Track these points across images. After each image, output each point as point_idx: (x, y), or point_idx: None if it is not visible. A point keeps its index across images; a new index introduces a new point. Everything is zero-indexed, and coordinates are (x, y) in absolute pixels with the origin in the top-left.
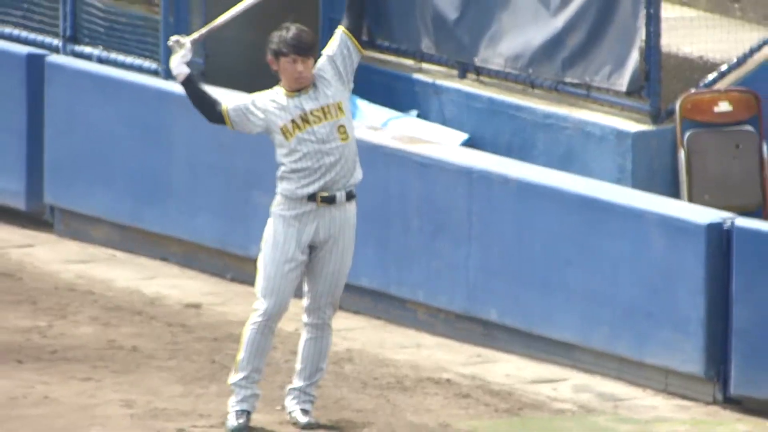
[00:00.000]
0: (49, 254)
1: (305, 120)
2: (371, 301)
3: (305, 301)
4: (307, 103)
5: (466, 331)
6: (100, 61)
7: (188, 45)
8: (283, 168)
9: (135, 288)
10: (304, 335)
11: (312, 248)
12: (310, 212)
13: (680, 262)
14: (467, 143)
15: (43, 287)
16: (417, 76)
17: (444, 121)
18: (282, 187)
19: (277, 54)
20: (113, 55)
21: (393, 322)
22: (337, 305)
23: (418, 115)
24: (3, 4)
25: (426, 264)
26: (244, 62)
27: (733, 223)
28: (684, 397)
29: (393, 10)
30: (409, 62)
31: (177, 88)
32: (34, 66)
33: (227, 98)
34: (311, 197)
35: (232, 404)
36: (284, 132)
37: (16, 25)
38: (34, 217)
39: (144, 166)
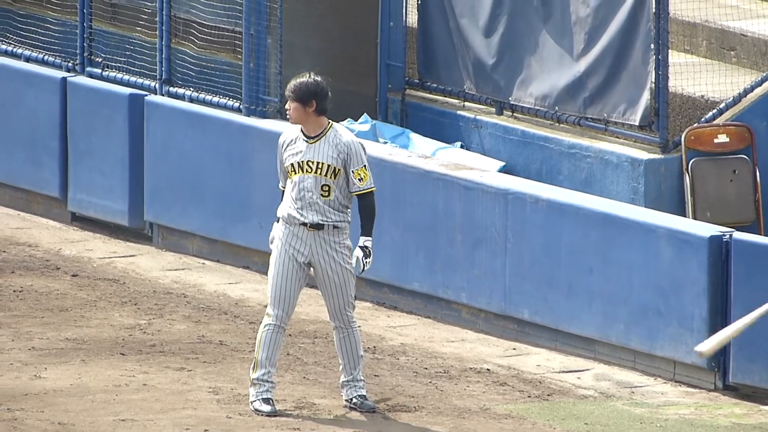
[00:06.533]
0: (149, 263)
1: (301, 167)
2: (422, 302)
3: (327, 310)
4: (309, 152)
5: (503, 328)
6: (191, 100)
7: None
8: (284, 195)
9: (222, 292)
10: (336, 336)
11: (312, 266)
12: (301, 235)
13: (686, 269)
14: (503, 170)
15: (143, 291)
16: (460, 112)
17: (483, 151)
18: (281, 209)
19: None
20: (202, 95)
21: (440, 321)
22: (353, 305)
23: (462, 146)
24: (110, 53)
25: (468, 271)
26: None
27: (731, 236)
28: (689, 384)
29: (440, 57)
30: (454, 101)
31: (257, 123)
32: (136, 104)
33: (279, 175)
34: (302, 223)
35: (258, 394)
36: (287, 171)
37: (120, 69)
38: (136, 232)
39: (229, 189)
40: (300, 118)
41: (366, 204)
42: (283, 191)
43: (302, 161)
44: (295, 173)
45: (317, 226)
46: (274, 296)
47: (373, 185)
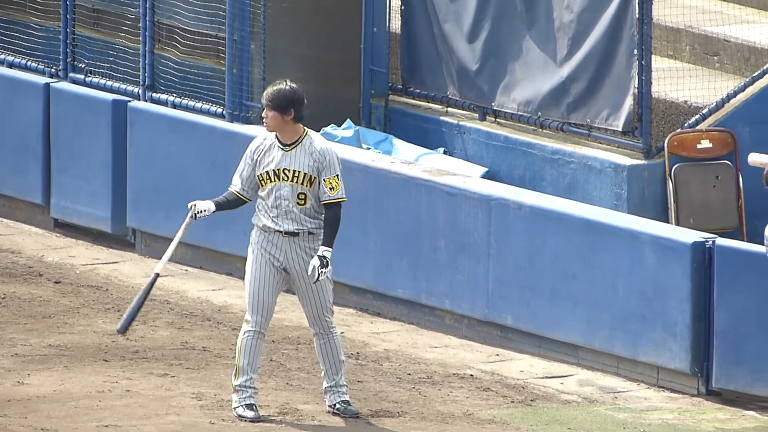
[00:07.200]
0: (131, 270)
1: (276, 175)
2: (405, 308)
3: (306, 317)
4: (285, 160)
5: (486, 334)
6: (174, 106)
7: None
8: (258, 202)
9: (205, 298)
10: (316, 342)
11: (287, 272)
12: (276, 241)
13: (669, 275)
14: (486, 175)
15: (126, 297)
16: (444, 118)
17: (467, 157)
18: (256, 218)
19: None
20: (185, 101)
21: (424, 327)
22: (331, 310)
23: (445, 152)
24: (93, 58)
25: (451, 277)
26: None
27: (714, 242)
28: (672, 390)
29: (423, 63)
30: (437, 107)
31: (240, 129)
32: (119, 110)
33: (235, 178)
34: (277, 231)
35: (241, 400)
36: (261, 179)
37: (103, 75)
38: (119, 239)
39: (212, 195)
40: (277, 126)
41: (332, 214)
42: (233, 193)
43: (278, 169)
44: (271, 181)
45: (292, 234)
46: (252, 302)
47: (344, 196)
